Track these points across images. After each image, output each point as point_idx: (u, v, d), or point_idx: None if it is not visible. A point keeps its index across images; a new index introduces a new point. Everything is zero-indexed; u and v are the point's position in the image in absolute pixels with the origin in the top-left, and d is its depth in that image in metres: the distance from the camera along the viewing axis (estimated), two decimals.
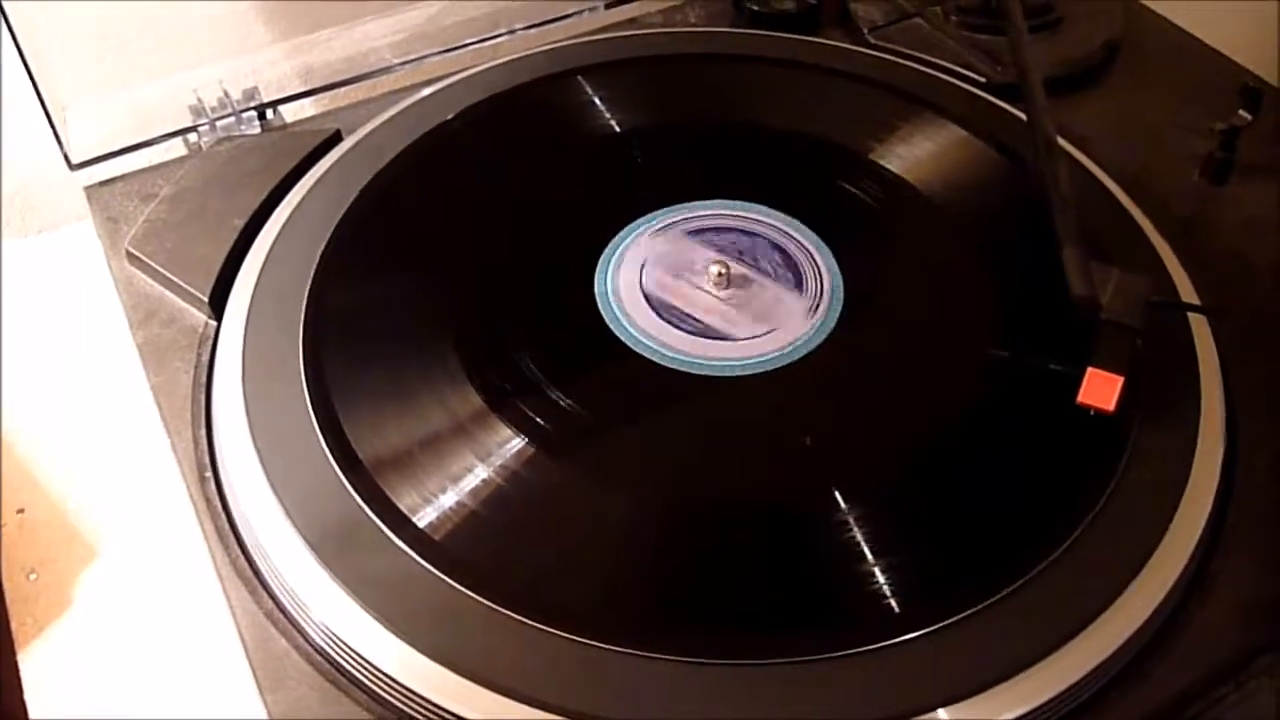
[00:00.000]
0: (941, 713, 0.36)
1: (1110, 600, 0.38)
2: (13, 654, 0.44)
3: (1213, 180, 0.53)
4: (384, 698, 0.37)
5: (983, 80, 0.58)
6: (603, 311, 0.47)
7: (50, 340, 0.53)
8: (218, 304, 0.48)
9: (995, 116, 0.55)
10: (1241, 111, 0.52)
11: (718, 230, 0.51)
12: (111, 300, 0.50)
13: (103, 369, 0.51)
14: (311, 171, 0.53)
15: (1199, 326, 0.47)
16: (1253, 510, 0.42)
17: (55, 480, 0.48)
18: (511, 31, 0.62)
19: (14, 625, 0.44)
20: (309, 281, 0.48)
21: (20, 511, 0.48)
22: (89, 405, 0.51)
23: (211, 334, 0.48)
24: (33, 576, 0.46)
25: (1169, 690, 0.38)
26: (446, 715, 0.36)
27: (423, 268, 0.49)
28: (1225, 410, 0.44)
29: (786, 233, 0.50)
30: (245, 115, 0.57)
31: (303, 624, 0.39)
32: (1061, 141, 0.52)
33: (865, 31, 0.61)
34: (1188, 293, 0.48)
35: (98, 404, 0.51)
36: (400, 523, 0.40)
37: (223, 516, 0.42)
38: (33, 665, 0.43)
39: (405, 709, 0.37)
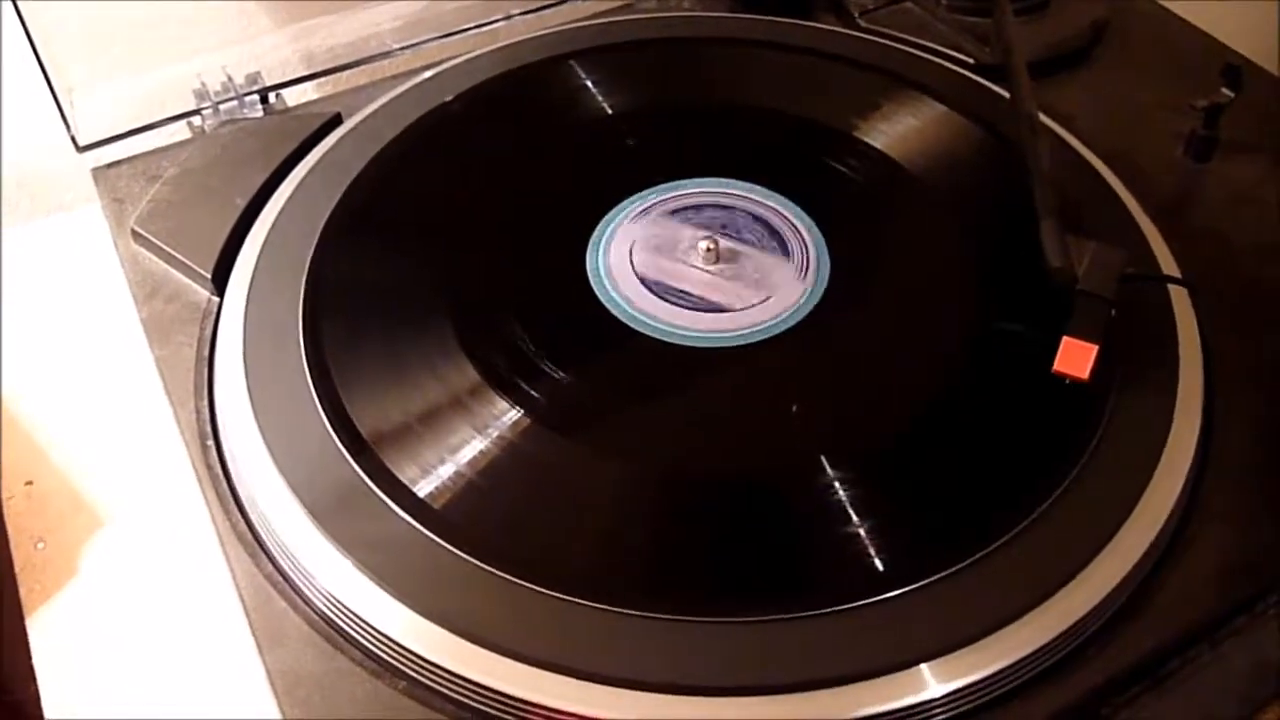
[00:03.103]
0: (924, 667, 0.37)
1: (1086, 562, 0.39)
2: (21, 619, 0.45)
3: (1196, 158, 0.54)
4: (378, 655, 0.38)
5: (970, 62, 0.59)
6: (594, 287, 0.48)
7: (58, 318, 0.55)
8: (220, 280, 0.50)
9: (981, 96, 0.56)
10: (1224, 89, 0.53)
11: (707, 207, 0.52)
12: (117, 278, 0.52)
13: (109, 345, 0.53)
14: (312, 153, 0.54)
15: (1179, 299, 0.47)
16: (1229, 477, 0.43)
17: (62, 453, 0.50)
18: (509, 17, 0.63)
19: (22, 592, 0.46)
20: (309, 258, 0.49)
21: (29, 483, 0.49)
22: (96, 380, 0.52)
23: (214, 309, 0.49)
24: (40, 545, 0.47)
25: (1143, 649, 0.39)
26: (438, 671, 0.37)
27: (419, 246, 0.51)
28: (1204, 380, 0.45)
29: (774, 209, 0.52)
30: (248, 99, 0.58)
31: (301, 585, 0.40)
32: (1048, 120, 0.54)
33: (856, 15, 0.62)
34: (1170, 267, 0.49)
35: (104, 379, 0.52)
36: (395, 488, 0.41)
37: (224, 483, 0.44)
38: (40, 630, 0.44)
39: (399, 665, 0.38)
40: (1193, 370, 0.45)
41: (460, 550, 0.39)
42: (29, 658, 0.44)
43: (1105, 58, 0.61)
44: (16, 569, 0.46)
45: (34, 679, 0.43)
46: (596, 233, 0.51)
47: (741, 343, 0.46)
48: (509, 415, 0.43)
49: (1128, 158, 0.54)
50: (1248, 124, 0.55)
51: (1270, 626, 0.40)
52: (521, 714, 0.37)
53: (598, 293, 0.48)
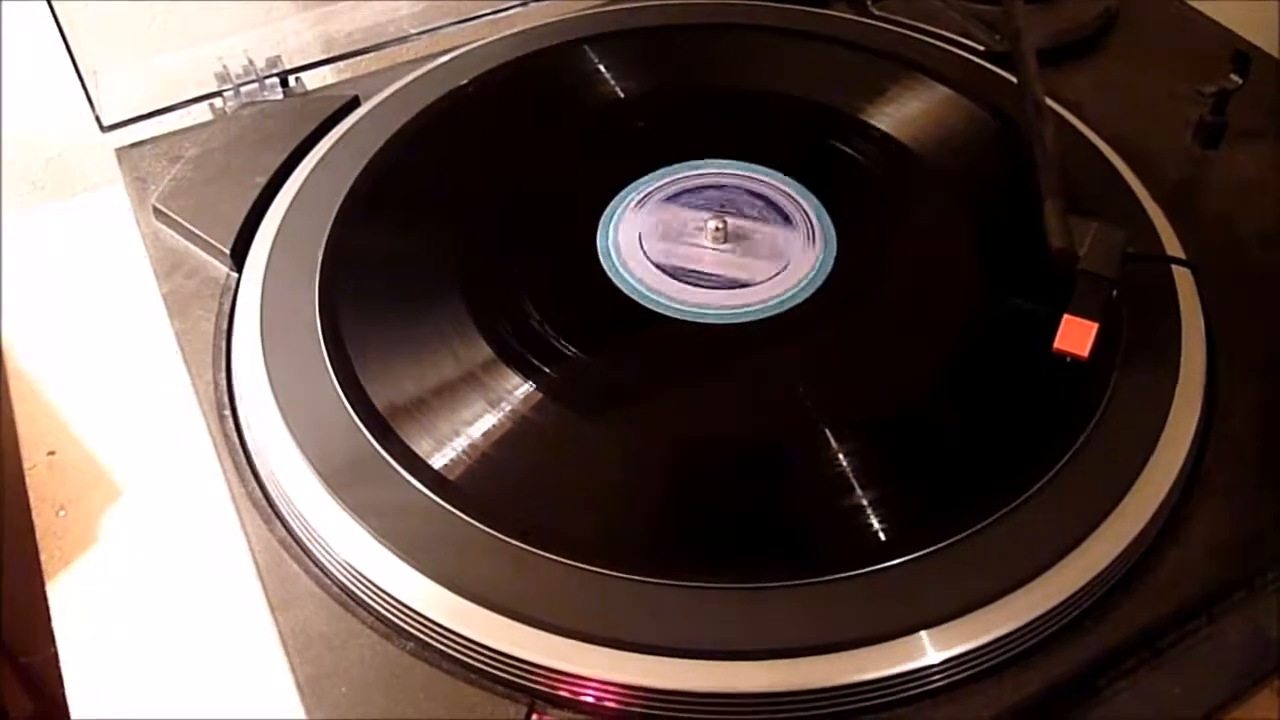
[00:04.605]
0: (923, 634, 0.37)
1: (1086, 534, 0.40)
2: (41, 585, 0.46)
3: (1204, 144, 0.54)
4: (386, 617, 0.39)
5: (980, 49, 0.59)
6: (604, 265, 0.49)
7: (81, 293, 0.56)
8: (239, 256, 0.51)
9: (987, 81, 0.57)
10: (1232, 75, 0.53)
11: (715, 188, 0.53)
12: (139, 254, 0.53)
13: (130, 319, 0.54)
14: (330, 134, 0.55)
15: (1183, 281, 0.48)
16: (1230, 455, 0.43)
17: (84, 423, 0.51)
18: (525, 3, 0.64)
19: (43, 558, 0.47)
20: (325, 236, 0.50)
21: (51, 453, 0.50)
22: (117, 353, 0.53)
23: (233, 285, 0.50)
24: (61, 513, 0.48)
25: (1140, 622, 0.39)
26: (444, 632, 0.38)
27: (433, 225, 0.51)
28: (1207, 361, 0.45)
29: (785, 192, 0.52)
30: (268, 82, 0.59)
31: (312, 549, 0.41)
32: (1057, 107, 0.54)
33: (868, 3, 0.63)
34: (1176, 251, 0.49)
35: (125, 352, 0.53)
36: (404, 455, 0.42)
37: (240, 451, 0.45)
38: (59, 595, 0.45)
39: (406, 627, 0.39)
40: (1195, 350, 0.45)
41: (468, 517, 0.40)
42: (49, 622, 0.45)
43: (1114, 46, 0.61)
44: (38, 535, 0.48)
45: (53, 642, 0.44)
46: (607, 213, 0.51)
47: (746, 319, 0.47)
48: (520, 389, 0.44)
49: (1136, 144, 0.54)
50: (1256, 111, 0.55)
51: (1268, 602, 0.41)
52: (526, 675, 0.37)
53: (608, 271, 0.49)
